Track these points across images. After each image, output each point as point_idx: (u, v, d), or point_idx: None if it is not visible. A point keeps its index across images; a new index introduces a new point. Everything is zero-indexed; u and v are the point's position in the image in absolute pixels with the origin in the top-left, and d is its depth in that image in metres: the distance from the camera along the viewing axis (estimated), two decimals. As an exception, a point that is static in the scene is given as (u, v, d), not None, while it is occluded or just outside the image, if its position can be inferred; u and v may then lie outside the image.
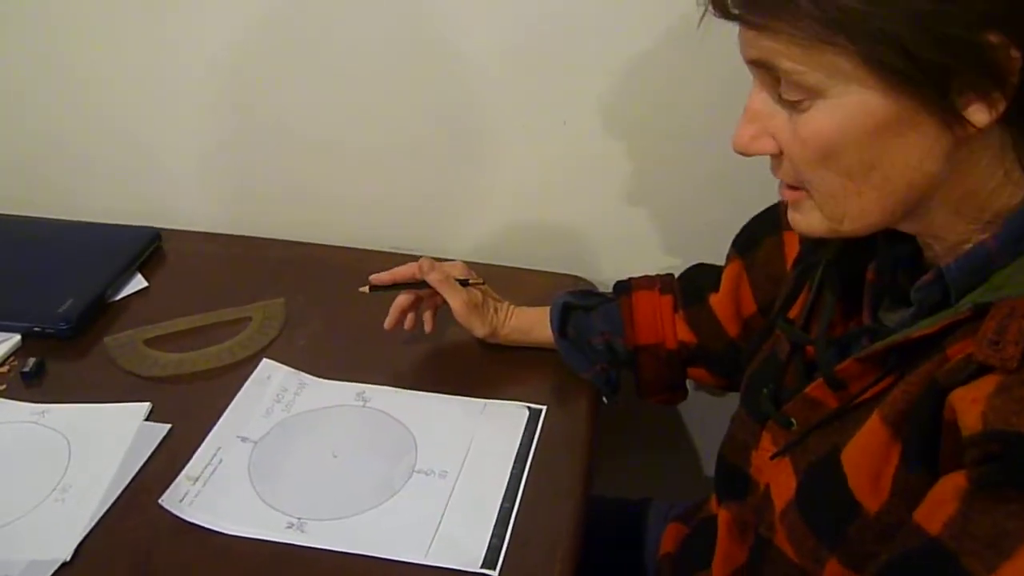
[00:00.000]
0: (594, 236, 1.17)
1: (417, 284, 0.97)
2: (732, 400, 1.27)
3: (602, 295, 1.01)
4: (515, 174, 1.14)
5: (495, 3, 1.01)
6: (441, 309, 1.01)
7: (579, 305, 0.98)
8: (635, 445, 1.24)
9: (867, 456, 0.59)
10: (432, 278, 0.96)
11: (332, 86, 1.12)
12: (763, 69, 0.57)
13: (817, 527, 0.63)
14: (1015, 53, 0.50)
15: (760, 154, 0.60)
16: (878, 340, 0.62)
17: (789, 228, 0.81)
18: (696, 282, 0.96)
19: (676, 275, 1.00)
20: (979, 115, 0.52)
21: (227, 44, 1.11)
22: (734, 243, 0.91)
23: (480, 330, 0.98)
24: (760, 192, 0.83)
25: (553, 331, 0.96)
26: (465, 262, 1.16)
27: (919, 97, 0.52)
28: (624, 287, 0.99)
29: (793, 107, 0.56)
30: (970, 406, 0.51)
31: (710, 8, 0.56)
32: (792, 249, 0.83)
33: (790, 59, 0.54)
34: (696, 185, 1.09)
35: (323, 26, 1.07)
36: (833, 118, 0.55)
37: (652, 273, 1.15)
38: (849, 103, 0.54)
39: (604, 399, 0.96)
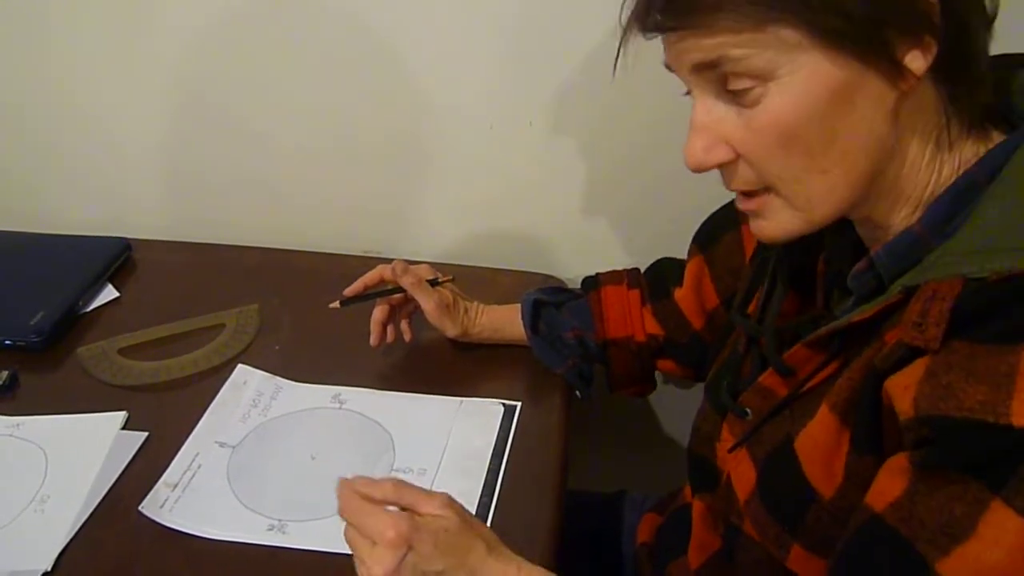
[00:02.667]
0: (562, 235, 1.19)
1: (387, 291, 0.98)
2: (700, 392, 1.30)
3: (571, 291, 1.03)
4: (484, 175, 1.16)
5: (461, 6, 1.03)
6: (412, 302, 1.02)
7: (549, 301, 0.99)
8: (607, 439, 1.26)
9: (819, 444, 0.61)
10: (406, 281, 0.96)
11: (300, 92, 1.13)
12: (707, 71, 0.57)
13: (778, 515, 0.65)
14: None
15: (716, 166, 0.61)
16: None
17: (747, 221, 0.84)
18: (661, 276, 0.99)
19: (642, 269, 1.02)
20: (916, 62, 0.55)
21: (194, 50, 1.11)
22: (695, 239, 0.94)
23: (452, 330, 0.99)
24: (722, 189, 0.85)
25: (525, 327, 0.97)
26: (436, 264, 1.18)
27: (862, 56, 0.54)
28: (592, 282, 1.01)
29: (743, 103, 0.57)
30: (903, 392, 0.53)
31: (639, 31, 0.58)
32: (751, 243, 0.85)
33: (737, 46, 0.55)
34: (661, 183, 1.11)
35: (291, 33, 1.08)
36: (787, 97, 0.56)
37: (620, 268, 1.18)
38: (800, 78, 0.55)
39: (578, 393, 0.98)
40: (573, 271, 1.19)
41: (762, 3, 0.53)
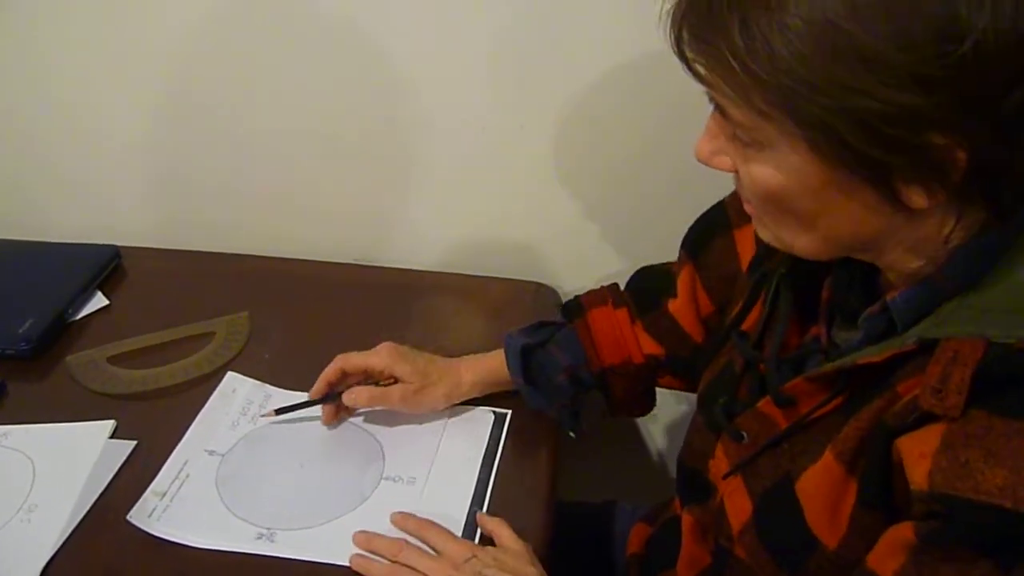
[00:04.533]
0: (554, 241, 1.18)
1: (322, 400, 0.92)
2: (692, 402, 1.30)
3: (553, 323, 0.95)
4: (474, 181, 1.15)
5: (451, 9, 1.02)
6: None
7: (535, 343, 0.92)
8: (597, 449, 1.25)
9: (822, 492, 0.60)
10: (362, 404, 0.91)
11: (292, 98, 1.12)
12: (717, 108, 0.57)
13: (776, 554, 0.65)
14: (961, 154, 0.50)
15: (719, 169, 0.61)
16: (831, 359, 0.63)
17: (738, 226, 0.83)
18: (647, 288, 0.94)
19: (620, 285, 0.98)
20: (917, 199, 0.53)
21: (185, 57, 1.11)
22: (684, 245, 0.90)
23: (438, 405, 0.92)
24: (723, 193, 0.85)
25: (515, 378, 0.91)
26: (427, 272, 1.18)
27: (855, 177, 0.53)
28: (576, 309, 0.94)
29: (745, 146, 0.57)
30: (918, 461, 0.52)
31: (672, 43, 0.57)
32: (745, 247, 0.83)
33: (738, 111, 0.54)
34: (656, 188, 1.11)
35: (282, 39, 1.08)
36: (777, 172, 0.56)
37: (613, 277, 1.17)
38: (792, 163, 0.54)
39: (571, 435, 0.94)
40: (565, 279, 1.19)
41: (762, 97, 0.52)
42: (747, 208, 0.64)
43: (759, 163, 0.56)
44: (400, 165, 1.16)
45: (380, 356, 0.90)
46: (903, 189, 0.53)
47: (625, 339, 0.93)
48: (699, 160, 0.61)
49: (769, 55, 0.50)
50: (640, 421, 1.29)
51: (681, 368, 0.93)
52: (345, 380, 0.92)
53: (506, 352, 0.92)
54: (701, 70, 0.55)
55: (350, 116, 1.13)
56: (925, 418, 0.53)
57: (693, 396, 0.84)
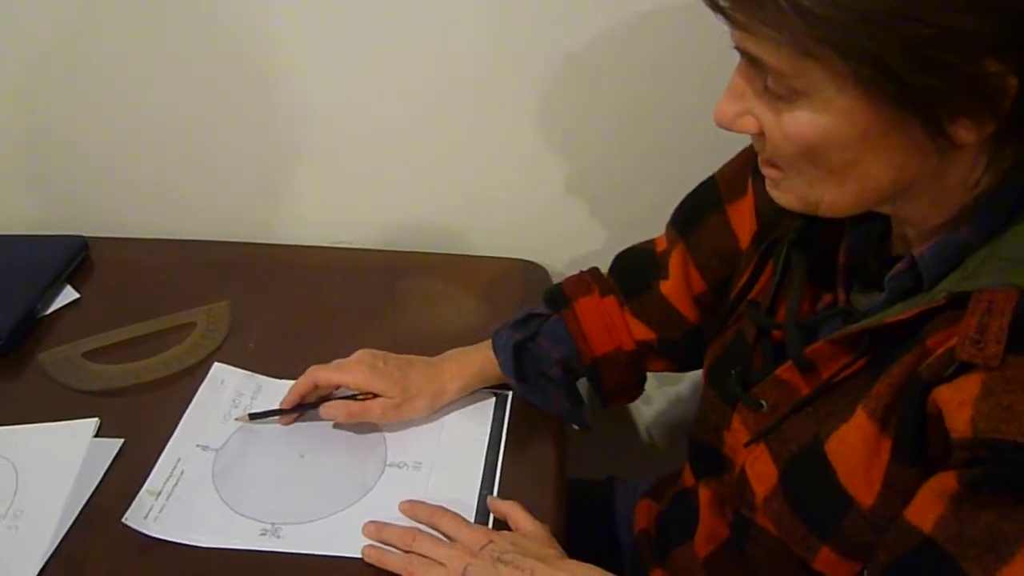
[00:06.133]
0: (539, 216, 1.16)
1: (296, 409, 0.88)
2: (685, 377, 1.29)
3: (540, 314, 0.91)
4: (457, 160, 1.12)
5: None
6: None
7: (525, 338, 0.89)
8: (594, 425, 1.24)
9: (855, 450, 0.59)
10: (340, 420, 0.87)
11: (269, 80, 1.08)
12: (750, 61, 0.55)
13: (807, 518, 0.63)
14: (1012, 81, 0.49)
15: (742, 132, 0.59)
16: (851, 323, 0.62)
17: (731, 200, 0.81)
18: (632, 272, 0.91)
19: (607, 255, 0.95)
20: (965, 133, 0.52)
21: (161, 34, 1.06)
22: (673, 223, 0.87)
23: (421, 415, 0.88)
24: (708, 165, 0.83)
25: (509, 377, 0.88)
26: (415, 252, 1.15)
27: (905, 112, 0.52)
28: (561, 299, 0.91)
29: (779, 99, 0.55)
30: (957, 409, 0.52)
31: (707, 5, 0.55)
32: (742, 222, 0.81)
33: (778, 60, 0.53)
34: (642, 161, 1.09)
35: (276, 18, 1.03)
36: (817, 121, 0.54)
37: (600, 251, 1.15)
38: (834, 109, 0.53)
39: (575, 427, 0.91)
40: (552, 255, 1.16)
41: (810, 34, 0.50)
42: (767, 171, 0.62)
43: (794, 114, 0.55)
44: (384, 146, 1.12)
45: (354, 374, 0.86)
46: (951, 124, 0.52)
47: (615, 327, 0.90)
48: (720, 125, 0.59)
49: None
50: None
51: (673, 351, 0.91)
52: (317, 392, 0.88)
53: (496, 351, 0.89)
54: (739, 16, 0.53)
55: (327, 97, 1.08)
56: (962, 368, 0.52)
57: (688, 373, 0.83)
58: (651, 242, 0.91)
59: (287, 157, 1.14)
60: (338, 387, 0.88)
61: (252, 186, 1.17)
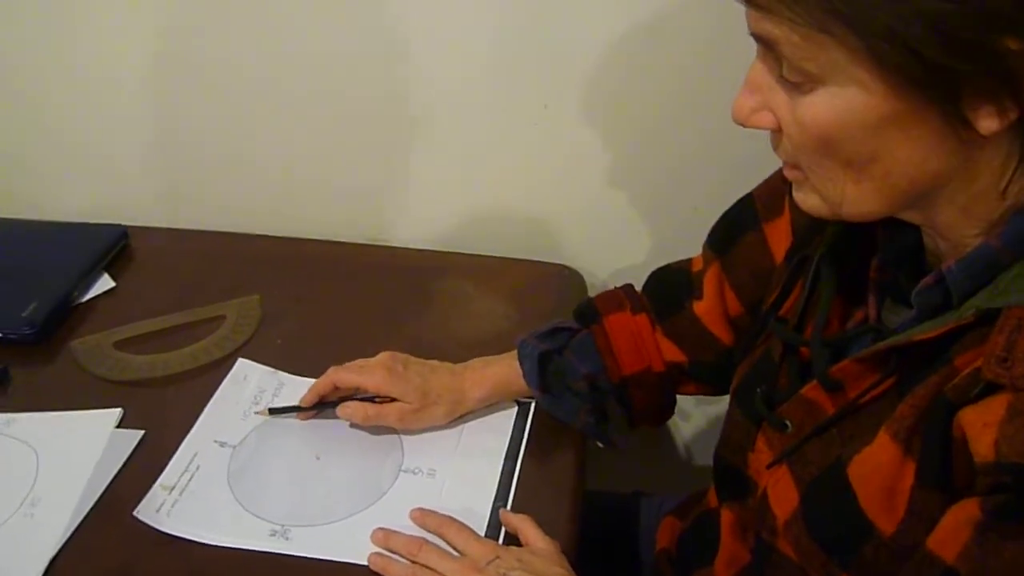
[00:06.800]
0: (578, 223, 1.14)
1: (314, 407, 0.88)
2: (725, 396, 1.25)
3: (569, 327, 0.89)
4: (495, 160, 1.11)
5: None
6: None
7: (552, 349, 0.86)
8: (621, 441, 1.21)
9: (878, 474, 0.57)
10: (357, 421, 0.86)
11: (304, 75, 1.08)
12: (766, 46, 0.54)
13: (827, 544, 0.60)
14: None
15: (759, 128, 0.57)
16: (880, 340, 0.59)
17: (768, 219, 0.79)
18: (667, 291, 0.88)
19: (648, 264, 0.93)
20: (987, 121, 0.49)
21: (197, 33, 1.06)
22: (709, 243, 0.85)
23: (439, 423, 0.87)
24: (750, 174, 0.80)
25: (532, 387, 0.86)
26: (443, 252, 1.14)
27: (924, 96, 0.50)
28: (592, 314, 0.88)
29: (795, 88, 0.53)
30: (982, 431, 0.49)
31: None
32: (779, 241, 0.78)
33: (791, 44, 0.51)
34: (683, 167, 1.06)
35: (297, 15, 1.03)
36: (833, 108, 0.52)
37: (639, 260, 1.13)
38: (850, 94, 0.51)
39: (599, 444, 0.88)
40: (590, 261, 1.14)
41: (821, 7, 0.48)
42: (789, 173, 0.60)
43: (811, 102, 0.52)
44: (421, 143, 1.11)
45: (373, 377, 0.85)
46: (972, 111, 0.49)
47: (645, 347, 0.87)
48: (737, 121, 0.57)
49: None
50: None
51: (705, 374, 0.88)
52: (337, 393, 0.87)
53: (521, 360, 0.87)
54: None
55: (365, 95, 1.08)
56: (989, 389, 0.50)
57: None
58: (688, 261, 0.89)
59: (326, 155, 1.14)
60: (358, 389, 0.87)
61: (293, 183, 1.17)
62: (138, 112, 1.14)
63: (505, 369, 0.88)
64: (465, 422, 0.88)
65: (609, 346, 0.87)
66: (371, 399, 0.86)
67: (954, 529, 0.51)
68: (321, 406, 0.87)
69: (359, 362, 0.87)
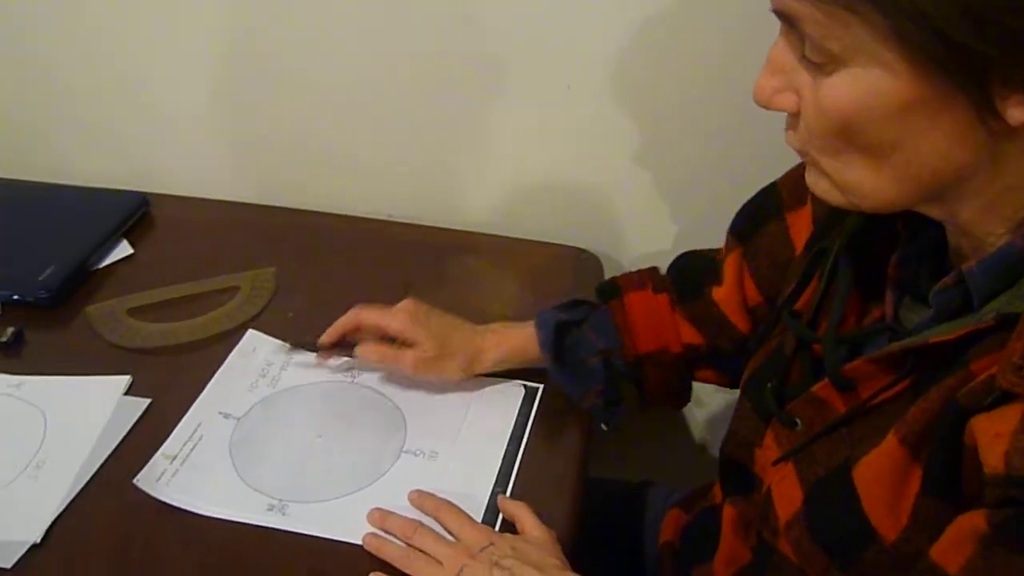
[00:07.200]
0: (598, 206, 1.12)
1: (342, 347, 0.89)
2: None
3: (588, 303, 0.89)
4: (517, 141, 1.09)
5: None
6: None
7: (570, 320, 0.86)
8: (636, 426, 1.19)
9: (883, 478, 0.55)
10: (372, 360, 0.87)
11: (329, 49, 1.07)
12: (788, 23, 0.51)
13: (827, 547, 0.59)
14: None
15: (780, 110, 0.55)
16: (897, 340, 0.57)
17: (791, 208, 0.77)
18: (690, 274, 0.88)
19: (670, 250, 0.93)
20: (1018, 112, 0.47)
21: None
22: (732, 229, 0.84)
23: (453, 376, 0.87)
24: (776, 161, 0.77)
25: (546, 355, 0.85)
26: (464, 232, 1.12)
27: (952, 82, 0.47)
28: (612, 290, 0.88)
29: (817, 68, 0.51)
30: (993, 441, 0.47)
31: None
32: (800, 231, 0.76)
33: (814, 22, 0.49)
34: (708, 152, 1.04)
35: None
36: (855, 90, 0.50)
37: (661, 246, 1.11)
38: (873, 77, 0.49)
39: (603, 427, 0.87)
40: (609, 244, 1.12)
41: None
42: (805, 158, 0.57)
43: (833, 84, 0.50)
44: (442, 123, 1.10)
45: (397, 319, 0.85)
46: (1002, 101, 0.47)
47: (663, 326, 0.87)
48: (758, 103, 0.55)
49: None
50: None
51: (721, 361, 0.87)
52: (359, 334, 0.88)
53: (538, 327, 0.86)
54: None
55: (390, 72, 1.07)
56: (1004, 397, 0.47)
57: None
58: (715, 249, 0.88)
59: (349, 129, 1.13)
60: (379, 329, 0.87)
61: (315, 157, 1.17)
62: (165, 80, 1.14)
63: (525, 336, 0.88)
64: (471, 403, 0.87)
65: (627, 322, 0.86)
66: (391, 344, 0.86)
67: (959, 541, 0.50)
68: (341, 347, 0.88)
69: (381, 306, 0.88)
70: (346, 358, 0.90)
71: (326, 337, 0.88)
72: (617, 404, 0.87)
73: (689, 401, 0.95)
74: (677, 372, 0.88)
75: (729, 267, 0.83)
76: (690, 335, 0.87)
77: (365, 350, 0.86)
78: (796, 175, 0.77)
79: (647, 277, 0.89)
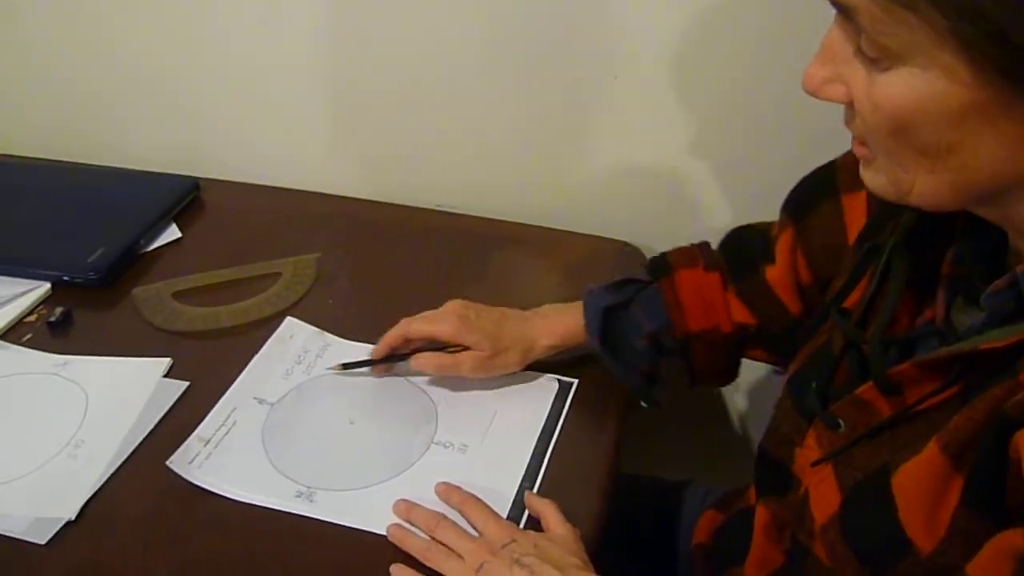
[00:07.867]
0: (641, 199, 1.10)
1: (390, 359, 0.88)
2: (780, 382, 1.20)
3: (638, 281, 0.87)
4: (563, 132, 1.07)
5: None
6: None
7: (618, 303, 0.85)
8: (676, 423, 1.17)
9: (922, 488, 0.53)
10: (430, 372, 0.86)
11: (381, 40, 1.07)
12: (844, 13, 0.49)
13: (861, 554, 0.57)
14: None
15: (830, 100, 0.53)
16: (947, 344, 0.55)
17: (849, 190, 0.74)
18: (743, 251, 0.85)
19: (713, 245, 0.89)
20: None
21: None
22: (785, 207, 0.81)
23: (512, 369, 0.86)
24: (827, 152, 0.75)
25: (593, 339, 0.84)
26: (503, 222, 1.12)
27: (1013, 88, 0.45)
28: (663, 267, 0.86)
29: (872, 63, 0.49)
30: None
31: None
32: (854, 217, 0.74)
33: (870, 16, 0.47)
34: (754, 145, 1.01)
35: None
36: (911, 90, 0.47)
37: (704, 238, 1.08)
38: (931, 78, 0.46)
39: (643, 404, 0.86)
40: (652, 237, 1.10)
41: None
42: (858, 151, 0.55)
43: (888, 81, 0.48)
44: (485, 111, 1.09)
45: (446, 325, 0.85)
46: None
47: (715, 305, 0.85)
48: (808, 91, 0.53)
49: None
50: (723, 399, 1.20)
51: (772, 341, 0.85)
52: (408, 345, 0.87)
53: (586, 311, 0.85)
54: None
55: (437, 64, 1.06)
56: None
57: (780, 376, 0.76)
58: (768, 223, 0.85)
59: (397, 119, 1.13)
60: (430, 339, 0.86)
61: (360, 145, 1.17)
62: (226, 71, 1.15)
63: (575, 319, 0.86)
64: (503, 398, 0.86)
65: (677, 300, 0.85)
66: (442, 349, 0.85)
67: (996, 559, 0.47)
68: (392, 359, 0.87)
69: (428, 312, 0.87)
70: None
71: (376, 354, 0.87)
72: (660, 383, 0.86)
73: (737, 377, 0.93)
74: (726, 351, 0.87)
75: (782, 247, 0.81)
76: (742, 315, 0.85)
77: (420, 363, 0.85)
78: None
79: (698, 253, 0.87)
